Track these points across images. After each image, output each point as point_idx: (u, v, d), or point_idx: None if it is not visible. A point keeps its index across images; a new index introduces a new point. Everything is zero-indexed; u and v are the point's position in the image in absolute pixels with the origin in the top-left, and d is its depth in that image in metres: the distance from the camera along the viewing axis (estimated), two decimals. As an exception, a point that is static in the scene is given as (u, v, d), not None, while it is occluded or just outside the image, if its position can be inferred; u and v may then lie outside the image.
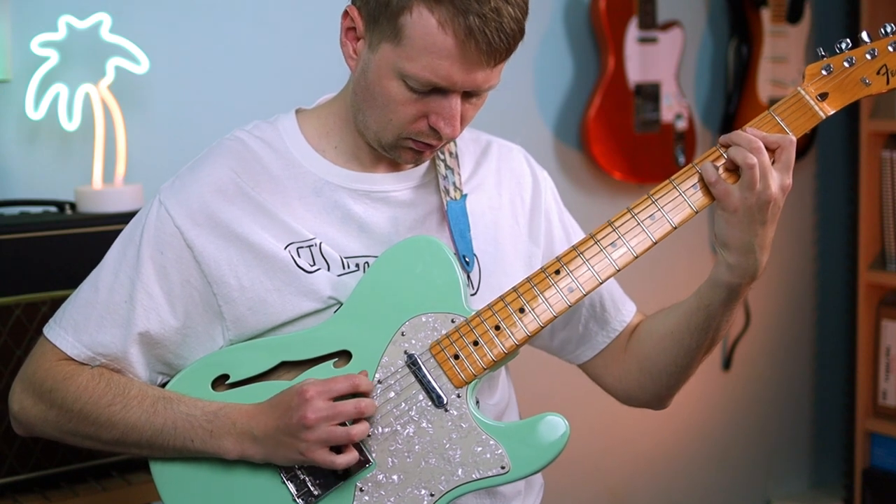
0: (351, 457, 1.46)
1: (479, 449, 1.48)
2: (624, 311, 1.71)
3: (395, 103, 1.48)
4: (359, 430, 1.45)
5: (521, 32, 1.46)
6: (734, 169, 1.48)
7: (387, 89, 1.47)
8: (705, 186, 1.50)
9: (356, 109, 1.55)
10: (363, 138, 1.57)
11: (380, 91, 1.48)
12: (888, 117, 3.19)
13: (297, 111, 1.64)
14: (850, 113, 3.27)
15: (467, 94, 1.49)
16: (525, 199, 1.68)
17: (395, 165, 1.61)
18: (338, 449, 1.46)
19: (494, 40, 1.42)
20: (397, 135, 1.51)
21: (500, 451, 1.48)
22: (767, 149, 1.47)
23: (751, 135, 1.48)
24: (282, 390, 1.49)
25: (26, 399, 1.57)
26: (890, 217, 3.21)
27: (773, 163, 1.47)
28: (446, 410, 1.49)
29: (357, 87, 1.52)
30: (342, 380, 1.46)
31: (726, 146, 1.50)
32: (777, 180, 1.47)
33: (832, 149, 3.59)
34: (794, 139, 1.49)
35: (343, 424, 1.45)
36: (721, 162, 1.50)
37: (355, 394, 1.47)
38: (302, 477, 1.51)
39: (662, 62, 3.05)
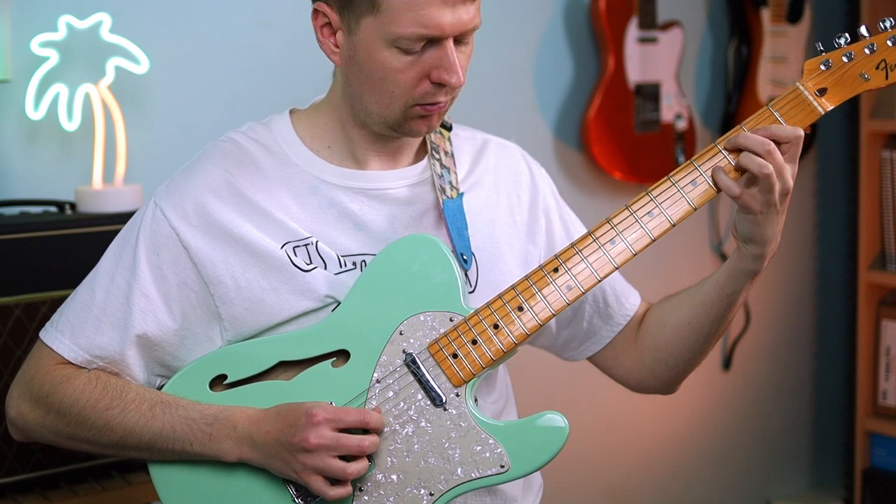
0: (343, 491, 1.46)
1: (479, 448, 1.48)
2: (627, 304, 1.72)
3: (393, 72, 1.47)
4: (355, 468, 1.45)
5: None
6: (742, 170, 1.48)
7: (381, 62, 1.47)
8: (704, 183, 1.50)
9: (353, 99, 1.54)
10: (360, 132, 1.57)
11: (374, 67, 1.48)
12: (888, 117, 3.19)
13: (291, 111, 1.64)
14: (850, 113, 3.27)
15: (456, 42, 1.48)
16: (522, 198, 1.68)
17: (390, 163, 1.61)
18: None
19: None
20: (404, 104, 1.50)
21: (499, 449, 1.48)
22: (778, 143, 1.47)
23: (760, 135, 1.47)
24: (291, 402, 1.48)
25: (23, 404, 1.57)
26: (890, 217, 3.21)
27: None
28: (445, 409, 1.49)
29: (349, 76, 1.52)
30: (354, 413, 1.46)
31: (733, 150, 1.49)
32: (790, 171, 1.48)
33: (832, 149, 3.59)
34: (803, 134, 1.49)
35: (344, 457, 1.45)
36: (724, 164, 1.49)
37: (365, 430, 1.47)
38: (301, 477, 1.51)
39: (662, 62, 3.05)
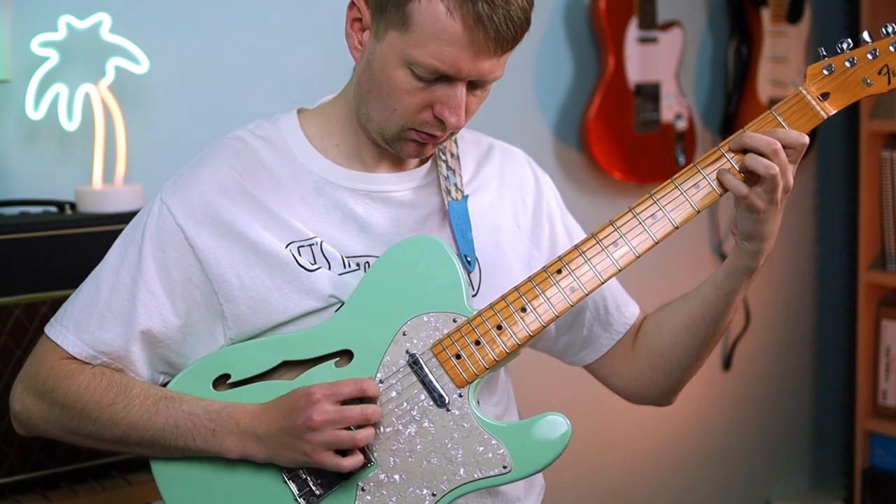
0: (357, 460, 1.46)
1: (481, 448, 1.48)
2: (627, 313, 1.72)
3: (400, 92, 1.48)
4: (364, 434, 1.45)
5: (528, 22, 1.47)
6: (747, 171, 1.49)
7: (393, 78, 1.47)
8: (707, 186, 1.50)
9: (359, 101, 1.54)
10: (366, 134, 1.57)
11: (385, 80, 1.48)
12: (888, 117, 3.19)
13: (299, 111, 1.64)
14: (850, 113, 3.27)
15: (472, 86, 1.49)
16: (527, 203, 1.68)
17: (396, 165, 1.61)
18: (343, 452, 1.46)
19: (502, 28, 1.42)
20: (401, 125, 1.51)
21: (501, 450, 1.48)
22: (783, 147, 1.48)
23: (768, 136, 1.48)
24: (288, 391, 1.48)
25: (28, 398, 1.57)
26: (890, 217, 3.21)
27: None
28: (448, 410, 1.49)
29: (362, 78, 1.52)
30: (350, 383, 1.46)
31: (738, 151, 1.49)
32: (792, 171, 1.49)
33: (832, 149, 3.59)
34: (808, 141, 1.50)
35: (348, 429, 1.45)
36: (728, 167, 1.50)
37: (362, 398, 1.47)
38: (304, 476, 1.51)
39: (662, 62, 3.05)
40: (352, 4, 1.52)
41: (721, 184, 1.50)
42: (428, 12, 1.42)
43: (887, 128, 3.20)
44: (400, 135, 1.52)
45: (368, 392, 1.47)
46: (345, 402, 1.46)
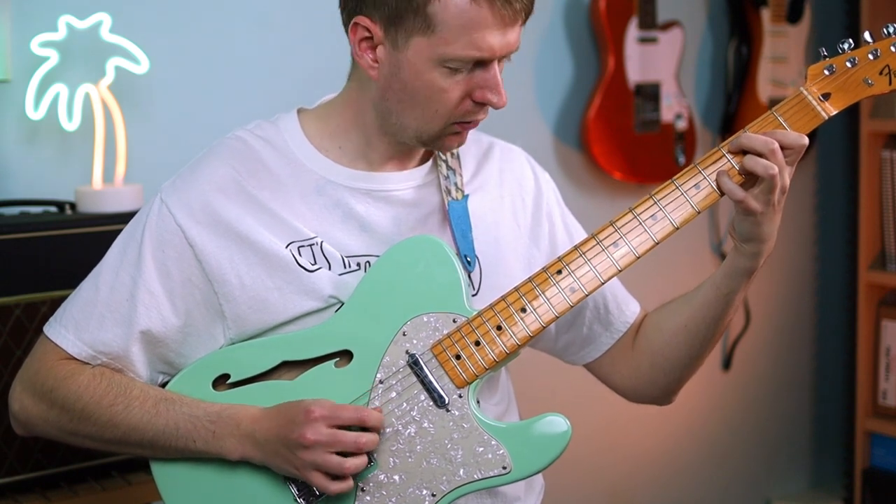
0: (345, 485, 1.46)
1: (481, 449, 1.48)
2: (627, 312, 1.72)
3: (439, 92, 1.48)
4: (353, 463, 1.45)
5: None
6: (747, 173, 1.48)
7: (429, 81, 1.48)
8: (708, 186, 1.50)
9: (387, 113, 1.54)
10: (386, 139, 1.56)
11: (421, 86, 1.48)
12: (888, 117, 3.19)
13: (299, 111, 1.63)
14: (850, 113, 3.27)
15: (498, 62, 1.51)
16: (527, 202, 1.68)
17: (398, 165, 1.61)
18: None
19: None
20: (445, 122, 1.52)
21: (501, 451, 1.48)
22: (781, 148, 1.48)
23: (766, 136, 1.48)
24: (292, 400, 1.48)
25: (26, 398, 1.57)
26: (890, 217, 3.21)
27: None
28: (448, 410, 1.49)
29: (388, 92, 1.52)
30: (351, 410, 1.46)
31: (736, 153, 1.49)
32: (789, 171, 1.49)
33: (832, 149, 3.59)
34: (807, 142, 1.50)
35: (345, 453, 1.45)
36: (728, 168, 1.50)
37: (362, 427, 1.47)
38: (304, 477, 1.51)
39: (662, 62, 3.05)
40: (355, 26, 1.50)
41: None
42: (452, 7, 1.43)
43: (887, 128, 3.20)
44: (443, 132, 1.53)
45: (368, 422, 1.46)
46: (344, 427, 1.45)
